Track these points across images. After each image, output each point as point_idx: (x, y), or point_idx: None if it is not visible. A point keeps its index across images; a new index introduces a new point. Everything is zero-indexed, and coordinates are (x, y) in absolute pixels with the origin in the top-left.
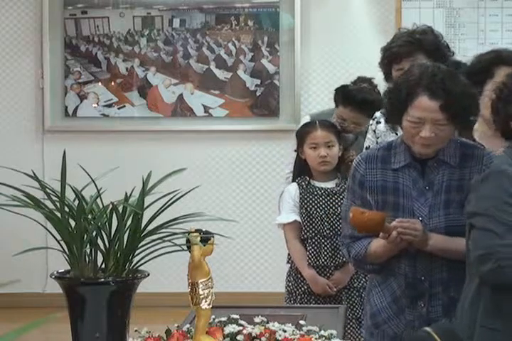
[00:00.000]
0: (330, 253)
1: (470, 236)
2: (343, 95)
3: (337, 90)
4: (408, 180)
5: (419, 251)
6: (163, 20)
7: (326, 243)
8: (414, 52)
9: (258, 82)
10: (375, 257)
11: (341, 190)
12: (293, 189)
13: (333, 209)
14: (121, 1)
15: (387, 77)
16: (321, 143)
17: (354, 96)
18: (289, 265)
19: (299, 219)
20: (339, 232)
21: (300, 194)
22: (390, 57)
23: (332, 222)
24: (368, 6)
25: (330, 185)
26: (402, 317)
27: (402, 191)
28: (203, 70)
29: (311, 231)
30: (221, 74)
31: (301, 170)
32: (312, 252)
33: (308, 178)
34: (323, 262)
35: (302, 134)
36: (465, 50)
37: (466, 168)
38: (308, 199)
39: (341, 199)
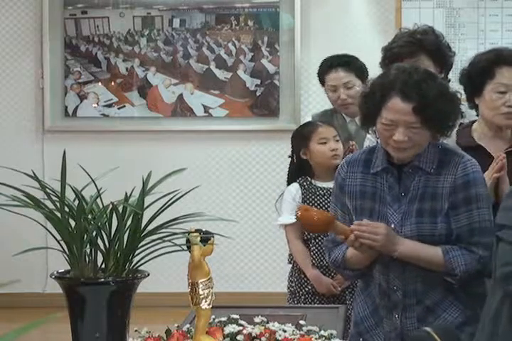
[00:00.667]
0: None
1: (497, 250)
2: (326, 61)
3: (321, 65)
4: (385, 185)
5: (392, 258)
6: (163, 20)
7: None
8: (416, 52)
9: (258, 82)
10: (352, 263)
11: None
12: (294, 189)
13: None
14: (121, 1)
15: None
16: (330, 137)
17: (337, 56)
18: (291, 265)
19: None
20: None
21: (302, 194)
22: (391, 58)
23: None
24: (368, 6)
25: (331, 184)
26: (381, 327)
27: (379, 196)
28: (203, 70)
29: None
30: (221, 74)
31: (301, 172)
32: (316, 252)
33: (309, 178)
34: (327, 262)
35: (306, 133)
36: (465, 50)
37: (441, 175)
38: (310, 199)
39: None
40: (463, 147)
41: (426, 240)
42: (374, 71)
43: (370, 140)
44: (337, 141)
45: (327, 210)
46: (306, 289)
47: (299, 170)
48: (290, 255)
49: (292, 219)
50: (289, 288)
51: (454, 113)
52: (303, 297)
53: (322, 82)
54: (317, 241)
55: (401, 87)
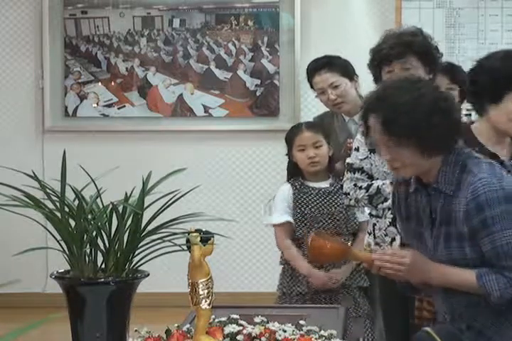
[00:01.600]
0: None
1: None
2: (309, 66)
3: (306, 71)
4: (420, 206)
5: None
6: (163, 20)
7: None
8: (405, 53)
9: (258, 82)
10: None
11: (335, 189)
12: (285, 189)
13: (327, 209)
14: (121, 1)
15: (377, 78)
16: (309, 144)
17: (318, 59)
18: (282, 266)
19: (290, 219)
20: (331, 231)
21: (293, 194)
22: (379, 59)
23: (325, 220)
24: (368, 6)
25: (324, 185)
26: None
27: (420, 217)
28: (203, 70)
29: (304, 231)
30: (221, 74)
31: (294, 173)
32: (304, 253)
33: (301, 179)
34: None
35: (290, 138)
36: (465, 50)
37: (458, 197)
38: (302, 199)
39: (335, 199)
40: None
41: (460, 264)
42: None
43: (359, 141)
44: (317, 147)
45: (322, 210)
46: (299, 289)
47: (294, 170)
48: (282, 256)
49: (282, 219)
50: (280, 289)
51: (436, 127)
52: (295, 298)
53: (312, 87)
54: (304, 240)
55: (372, 107)
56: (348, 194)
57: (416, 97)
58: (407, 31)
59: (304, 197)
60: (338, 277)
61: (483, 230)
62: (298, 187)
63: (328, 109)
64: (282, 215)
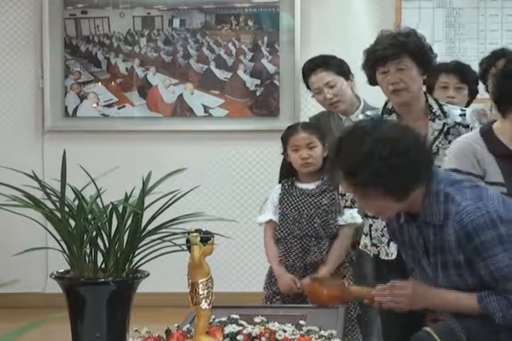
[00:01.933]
0: (299, 254)
1: None
2: (305, 66)
3: (302, 71)
4: (413, 236)
5: None
6: (163, 20)
7: (295, 243)
8: (399, 54)
9: (258, 82)
10: None
11: (319, 191)
12: (276, 189)
13: (307, 211)
14: (121, 1)
15: (371, 79)
16: (302, 144)
17: (313, 59)
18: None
19: (274, 218)
20: (309, 233)
21: (280, 194)
22: (374, 60)
23: (303, 222)
24: (368, 6)
25: (311, 186)
26: None
27: (415, 246)
28: (203, 70)
29: (284, 232)
30: (221, 74)
31: (289, 173)
32: (282, 252)
33: (293, 179)
34: (291, 262)
35: (285, 138)
36: (465, 50)
37: (447, 227)
38: (286, 199)
39: (317, 201)
40: (499, 155)
41: (463, 289)
42: None
43: None
44: (311, 148)
45: (302, 211)
46: (274, 288)
47: (289, 169)
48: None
49: (266, 218)
50: (267, 288)
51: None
52: (270, 296)
53: (309, 87)
54: (285, 240)
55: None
56: (345, 195)
57: (370, 148)
58: (402, 32)
59: (289, 197)
60: (303, 284)
61: (477, 257)
62: (286, 187)
63: (324, 109)
64: (268, 214)
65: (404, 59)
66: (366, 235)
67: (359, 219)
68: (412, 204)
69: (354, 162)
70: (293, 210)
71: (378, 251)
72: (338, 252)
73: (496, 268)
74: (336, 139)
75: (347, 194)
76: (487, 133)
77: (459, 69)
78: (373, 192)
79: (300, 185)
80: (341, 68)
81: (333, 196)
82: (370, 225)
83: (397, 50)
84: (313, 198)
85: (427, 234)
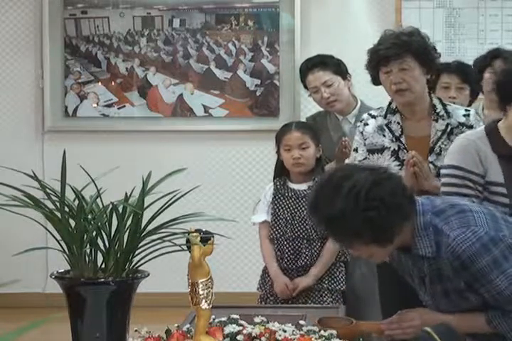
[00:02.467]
0: (291, 256)
1: None
2: (302, 65)
3: (300, 70)
4: (408, 266)
5: None
6: (163, 20)
7: (287, 245)
8: (402, 54)
9: (258, 82)
10: None
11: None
12: (268, 188)
13: (300, 212)
14: (121, 1)
15: (375, 79)
16: (295, 144)
17: (311, 58)
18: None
19: (268, 219)
20: (301, 235)
21: (272, 194)
22: (377, 60)
23: (295, 224)
24: (368, 6)
25: (303, 187)
26: None
27: (410, 275)
28: (203, 70)
29: (276, 233)
30: (221, 74)
31: (281, 172)
32: (276, 253)
33: (285, 179)
34: (284, 264)
35: (278, 136)
36: (465, 50)
37: (441, 258)
38: (278, 200)
39: None
40: (503, 155)
41: (468, 308)
42: None
43: (357, 141)
44: (303, 148)
45: (294, 213)
46: (268, 288)
47: (281, 168)
48: None
49: (260, 218)
50: (261, 289)
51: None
52: (265, 297)
53: (306, 87)
54: (278, 242)
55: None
56: None
57: (343, 203)
58: (405, 31)
59: (281, 198)
60: (302, 285)
61: (476, 283)
62: (278, 187)
63: (321, 109)
64: (261, 214)
65: (407, 59)
66: None
67: None
68: (402, 241)
69: (330, 219)
70: (285, 212)
71: None
72: (330, 254)
73: (497, 292)
74: (313, 191)
75: None
76: (492, 132)
77: (460, 69)
78: (356, 244)
79: (292, 186)
80: (338, 68)
81: None
82: None
83: (399, 50)
84: (305, 199)
85: (421, 265)
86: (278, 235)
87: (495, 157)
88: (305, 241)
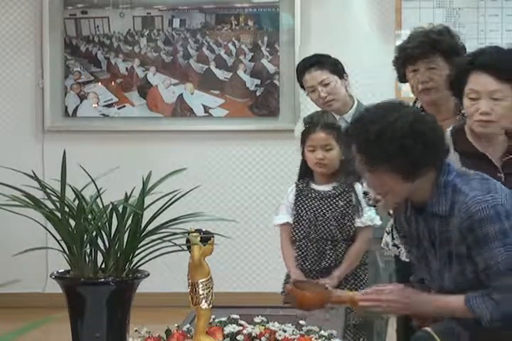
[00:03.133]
0: (315, 257)
1: None
2: (299, 65)
3: (296, 70)
4: (420, 229)
5: None
6: (163, 20)
7: (311, 247)
8: (430, 53)
9: (258, 82)
10: None
11: (336, 193)
12: (291, 190)
13: (323, 213)
14: (121, 1)
15: (401, 77)
16: (318, 145)
17: (307, 58)
18: None
19: (290, 220)
20: (325, 236)
21: (295, 195)
22: (404, 58)
23: (319, 225)
24: (368, 6)
25: (327, 188)
26: None
27: (421, 240)
28: (203, 70)
29: (299, 234)
30: (221, 74)
31: (306, 172)
32: (299, 255)
33: (308, 180)
34: (307, 266)
35: (304, 136)
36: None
37: (453, 216)
38: (301, 201)
39: (334, 203)
40: (465, 153)
41: (464, 287)
42: (374, 71)
43: None
44: (327, 149)
45: (318, 213)
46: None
47: (306, 169)
48: None
49: (282, 220)
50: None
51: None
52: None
53: (302, 87)
54: (301, 243)
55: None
56: (368, 193)
57: (385, 125)
58: (434, 29)
59: (304, 199)
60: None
61: (477, 248)
62: (301, 188)
63: (318, 109)
64: (283, 216)
65: (435, 58)
66: (388, 234)
67: (378, 221)
68: (419, 192)
69: (366, 138)
70: (308, 212)
71: (399, 252)
72: (355, 255)
73: (491, 265)
74: (358, 114)
75: (370, 193)
76: (457, 132)
77: None
78: (380, 170)
79: (315, 187)
80: (336, 67)
81: (350, 198)
82: (392, 224)
83: (427, 49)
84: (329, 200)
85: (432, 225)
86: (301, 236)
87: (457, 155)
88: (329, 243)
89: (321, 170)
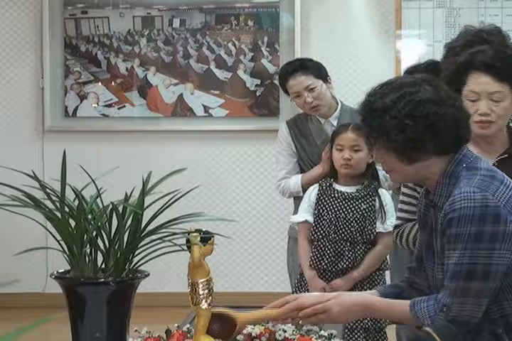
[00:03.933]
0: (332, 258)
1: None
2: (282, 70)
3: (279, 75)
4: (430, 217)
5: None
6: (163, 20)
7: (329, 247)
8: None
9: (258, 82)
10: None
11: (359, 195)
12: (313, 189)
13: (344, 214)
14: (121, 1)
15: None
16: (347, 145)
17: (290, 63)
18: None
19: (310, 219)
20: (344, 237)
21: (317, 195)
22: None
23: (340, 226)
24: (368, 6)
25: (350, 189)
26: None
27: (434, 229)
28: (203, 70)
29: (318, 234)
30: (221, 74)
31: (331, 173)
32: (315, 255)
33: (331, 180)
34: (323, 266)
35: (333, 136)
36: None
37: (442, 209)
38: (323, 200)
39: (356, 205)
40: None
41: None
42: (374, 71)
43: None
44: (356, 150)
45: (339, 214)
46: (303, 290)
47: (331, 169)
48: None
49: (301, 218)
50: (297, 290)
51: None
52: None
53: (286, 92)
54: (319, 243)
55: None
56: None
57: (395, 100)
58: (485, 29)
59: (326, 199)
60: (340, 289)
61: (447, 245)
62: (324, 188)
63: (299, 112)
64: (304, 214)
65: None
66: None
67: None
68: (428, 179)
69: (375, 110)
70: (330, 212)
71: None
72: (374, 259)
73: (454, 263)
74: (376, 85)
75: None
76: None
77: (433, 69)
78: (379, 144)
79: (339, 187)
80: (319, 71)
81: (373, 202)
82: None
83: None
84: (352, 201)
85: (436, 214)
86: (320, 236)
87: None
88: (348, 244)
89: (346, 172)
